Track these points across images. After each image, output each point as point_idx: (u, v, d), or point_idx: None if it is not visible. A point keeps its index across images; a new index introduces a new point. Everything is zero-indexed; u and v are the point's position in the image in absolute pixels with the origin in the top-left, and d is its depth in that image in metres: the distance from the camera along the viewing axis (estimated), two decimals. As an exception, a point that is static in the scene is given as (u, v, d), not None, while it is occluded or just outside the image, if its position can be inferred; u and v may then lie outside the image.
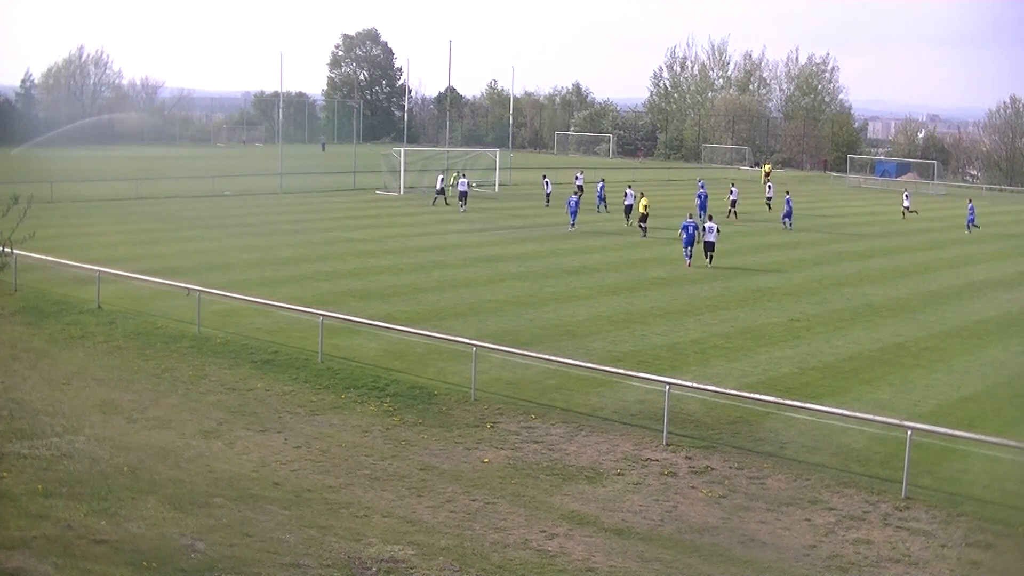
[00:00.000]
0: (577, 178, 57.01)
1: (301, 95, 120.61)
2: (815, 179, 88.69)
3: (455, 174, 55.67)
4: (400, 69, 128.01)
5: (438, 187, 52.86)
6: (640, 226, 42.39)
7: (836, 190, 77.93)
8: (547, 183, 54.85)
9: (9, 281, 26.35)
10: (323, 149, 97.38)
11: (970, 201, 51.71)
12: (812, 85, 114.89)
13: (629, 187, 49.59)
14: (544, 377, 20.15)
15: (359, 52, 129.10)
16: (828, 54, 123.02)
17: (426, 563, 11.25)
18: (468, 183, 52.25)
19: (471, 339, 20.37)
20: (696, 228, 35.35)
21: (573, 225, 44.06)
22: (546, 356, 19.92)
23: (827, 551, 12.98)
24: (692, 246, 34.91)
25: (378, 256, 34.97)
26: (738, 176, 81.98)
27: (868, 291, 31.32)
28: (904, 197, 56.70)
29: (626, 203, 47.22)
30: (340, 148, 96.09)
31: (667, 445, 16.66)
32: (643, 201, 43.24)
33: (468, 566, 11.48)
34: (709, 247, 34.91)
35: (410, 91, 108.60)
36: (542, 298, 28.37)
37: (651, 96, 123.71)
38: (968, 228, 49.17)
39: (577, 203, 45.43)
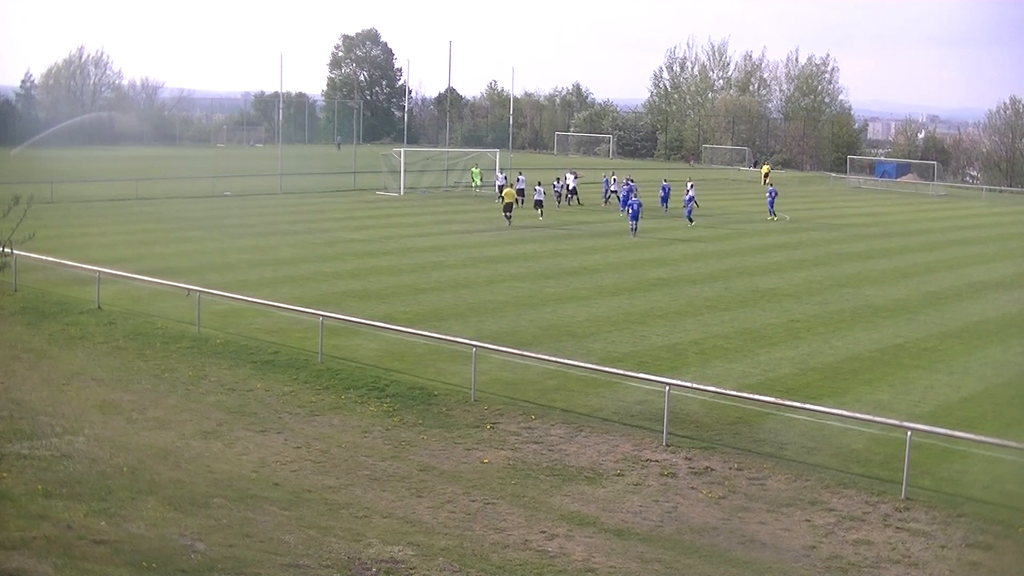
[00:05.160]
0: (567, 177, 57.05)
1: (301, 95, 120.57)
2: (815, 180, 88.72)
3: (476, 171, 61.05)
4: (400, 70, 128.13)
5: (520, 186, 54.25)
6: (506, 216, 45.03)
7: (836, 191, 77.92)
8: (557, 183, 55.38)
9: (9, 281, 26.35)
10: (339, 148, 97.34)
11: (771, 185, 56.70)
12: (812, 86, 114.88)
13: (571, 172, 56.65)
14: (544, 378, 20.14)
15: (359, 53, 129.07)
16: (828, 55, 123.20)
17: (426, 564, 11.25)
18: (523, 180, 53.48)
19: (471, 340, 20.36)
20: (640, 206, 43.19)
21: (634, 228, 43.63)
22: (546, 357, 19.91)
23: (827, 552, 12.98)
24: (637, 220, 42.46)
25: (378, 257, 34.98)
26: (738, 176, 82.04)
27: (868, 292, 31.33)
28: (688, 187, 57.27)
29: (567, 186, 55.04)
30: (340, 149, 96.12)
31: (667, 446, 16.66)
32: (508, 191, 46.39)
33: (468, 567, 11.48)
34: (538, 204, 47.57)
35: (410, 92, 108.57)
36: (542, 299, 28.37)
37: (651, 97, 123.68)
38: (772, 213, 51.72)
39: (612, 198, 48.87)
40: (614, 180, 57.93)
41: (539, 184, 49.62)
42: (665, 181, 55.87)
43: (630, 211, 43.11)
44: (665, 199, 53.46)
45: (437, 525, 13.07)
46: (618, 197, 54.94)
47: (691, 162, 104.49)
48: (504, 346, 20.93)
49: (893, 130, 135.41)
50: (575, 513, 13.82)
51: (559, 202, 54.11)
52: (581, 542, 12.80)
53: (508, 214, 44.98)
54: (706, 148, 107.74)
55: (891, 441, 16.39)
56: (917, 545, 13.27)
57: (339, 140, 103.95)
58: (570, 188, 55.67)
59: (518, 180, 51.91)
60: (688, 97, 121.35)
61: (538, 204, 48.11)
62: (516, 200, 47.07)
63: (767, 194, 53.76)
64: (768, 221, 51.06)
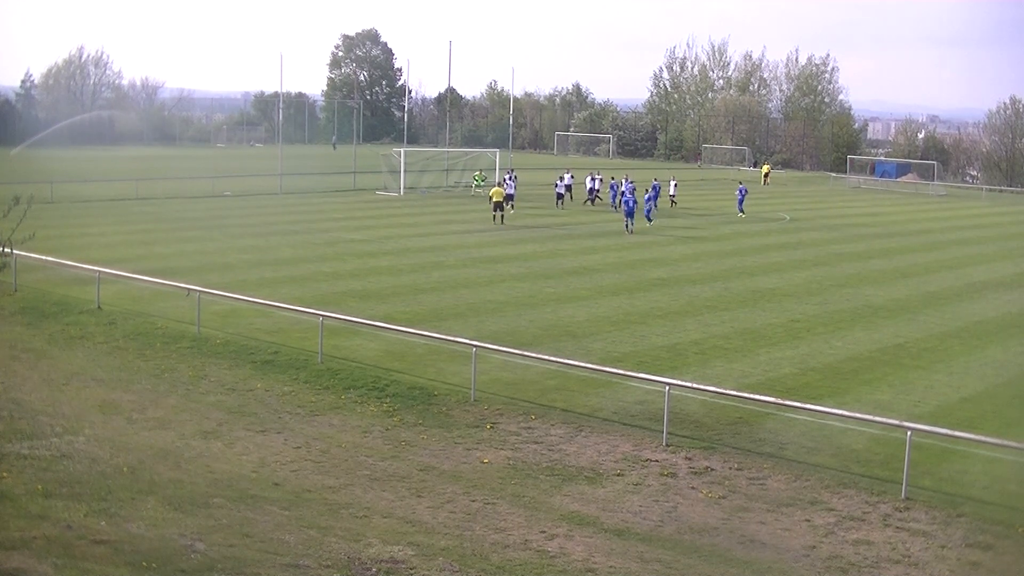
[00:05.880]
0: (564, 178, 57.02)
1: (301, 95, 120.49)
2: (815, 180, 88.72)
3: (478, 174, 61.67)
4: (400, 70, 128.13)
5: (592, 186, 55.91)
6: (495, 213, 45.48)
7: (836, 191, 77.92)
8: (560, 183, 55.44)
9: (9, 281, 26.34)
10: (335, 149, 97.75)
11: (740, 183, 58.73)
12: (812, 86, 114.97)
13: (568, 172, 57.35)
14: (544, 378, 20.14)
15: (359, 52, 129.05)
16: (828, 55, 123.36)
17: (426, 564, 11.25)
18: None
19: (471, 339, 20.36)
20: (635, 204, 44.10)
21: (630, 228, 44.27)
22: (546, 357, 19.91)
23: (827, 552, 12.98)
24: (632, 217, 43.52)
25: (378, 257, 34.97)
26: (739, 176, 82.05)
27: (868, 292, 31.33)
28: (672, 186, 58.17)
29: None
30: (340, 149, 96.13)
31: (667, 446, 16.66)
32: (496, 189, 47.17)
33: (468, 567, 11.48)
34: (509, 198, 48.63)
35: (410, 92, 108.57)
36: (542, 299, 28.37)
37: (651, 97, 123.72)
38: (740, 211, 53.39)
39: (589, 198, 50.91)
40: (599, 180, 58.21)
41: (509, 178, 51.62)
42: (655, 180, 56.23)
43: (625, 208, 44.04)
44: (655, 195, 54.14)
45: (437, 525, 13.07)
46: (598, 196, 56.05)
47: (696, 162, 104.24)
48: (504, 346, 20.93)
49: (893, 130, 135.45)
50: (575, 513, 13.82)
51: (560, 202, 54.19)
52: (581, 542, 12.80)
53: (498, 212, 45.08)
54: (706, 148, 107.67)
55: (891, 441, 16.40)
56: (917, 545, 13.27)
57: (335, 140, 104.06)
58: (588, 188, 56.50)
59: (506, 181, 51.89)
60: (688, 97, 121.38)
61: (509, 198, 49.49)
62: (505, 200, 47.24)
63: (737, 192, 54.85)
64: (740, 218, 52.10)
